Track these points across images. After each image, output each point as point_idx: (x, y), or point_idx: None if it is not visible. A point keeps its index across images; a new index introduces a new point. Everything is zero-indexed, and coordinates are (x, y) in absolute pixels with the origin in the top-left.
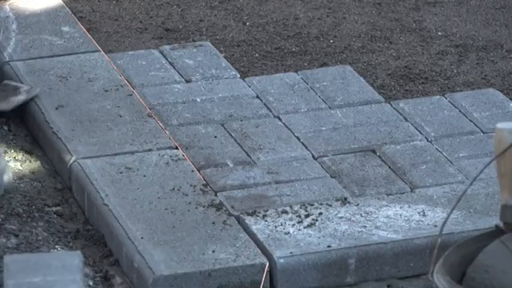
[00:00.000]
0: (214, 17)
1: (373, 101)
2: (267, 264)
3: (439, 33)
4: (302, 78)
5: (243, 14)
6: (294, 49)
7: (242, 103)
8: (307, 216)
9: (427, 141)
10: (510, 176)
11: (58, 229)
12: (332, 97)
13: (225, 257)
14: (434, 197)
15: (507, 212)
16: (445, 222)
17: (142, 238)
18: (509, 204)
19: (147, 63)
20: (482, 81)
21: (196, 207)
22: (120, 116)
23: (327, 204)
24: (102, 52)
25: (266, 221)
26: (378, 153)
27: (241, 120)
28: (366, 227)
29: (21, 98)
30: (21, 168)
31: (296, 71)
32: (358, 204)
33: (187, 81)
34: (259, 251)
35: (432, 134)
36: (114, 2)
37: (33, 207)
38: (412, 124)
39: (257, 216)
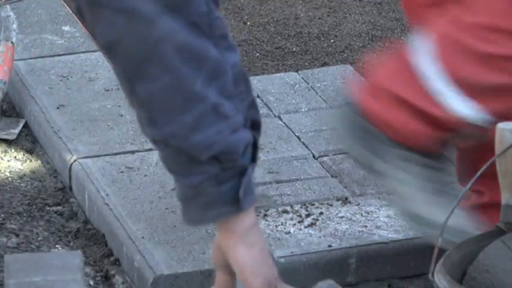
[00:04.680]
0: None
1: None
2: None
3: None
4: (303, 78)
5: (243, 14)
6: (294, 49)
7: None
8: (307, 215)
9: None
10: (511, 175)
11: (58, 228)
12: (333, 97)
13: None
14: None
15: (508, 211)
16: (445, 222)
17: (143, 238)
18: (510, 204)
19: None
20: None
21: None
22: (121, 116)
23: (327, 203)
24: None
25: (267, 220)
26: None
27: None
28: (366, 226)
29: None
30: (21, 167)
31: (297, 71)
32: (359, 204)
33: None
34: None
35: None
36: None
37: (34, 206)
38: None
39: (257, 215)
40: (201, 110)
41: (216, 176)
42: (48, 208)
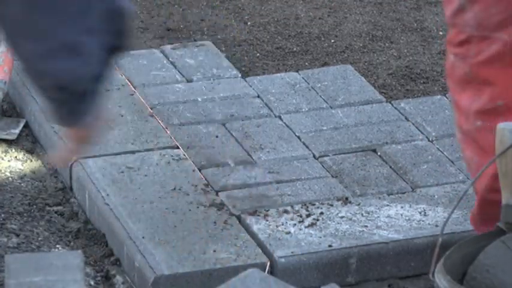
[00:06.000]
0: (216, 16)
1: (374, 100)
2: (268, 263)
3: (440, 32)
4: (303, 78)
5: (244, 14)
6: (295, 49)
7: (243, 103)
8: (308, 215)
9: (428, 140)
10: (511, 175)
11: (59, 228)
12: (333, 97)
13: (226, 257)
14: (436, 196)
15: (508, 211)
16: (446, 222)
17: (143, 238)
18: (511, 204)
19: (148, 63)
20: None
21: (198, 207)
22: (122, 116)
23: (328, 203)
24: None
25: (267, 220)
26: (379, 153)
27: (243, 120)
28: (367, 226)
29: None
30: (22, 167)
31: (297, 71)
32: (359, 204)
33: (188, 81)
34: (260, 251)
35: (433, 134)
36: None
37: (34, 206)
38: (413, 124)
39: (258, 215)
40: (54, 43)
41: (59, 99)
42: (48, 208)
